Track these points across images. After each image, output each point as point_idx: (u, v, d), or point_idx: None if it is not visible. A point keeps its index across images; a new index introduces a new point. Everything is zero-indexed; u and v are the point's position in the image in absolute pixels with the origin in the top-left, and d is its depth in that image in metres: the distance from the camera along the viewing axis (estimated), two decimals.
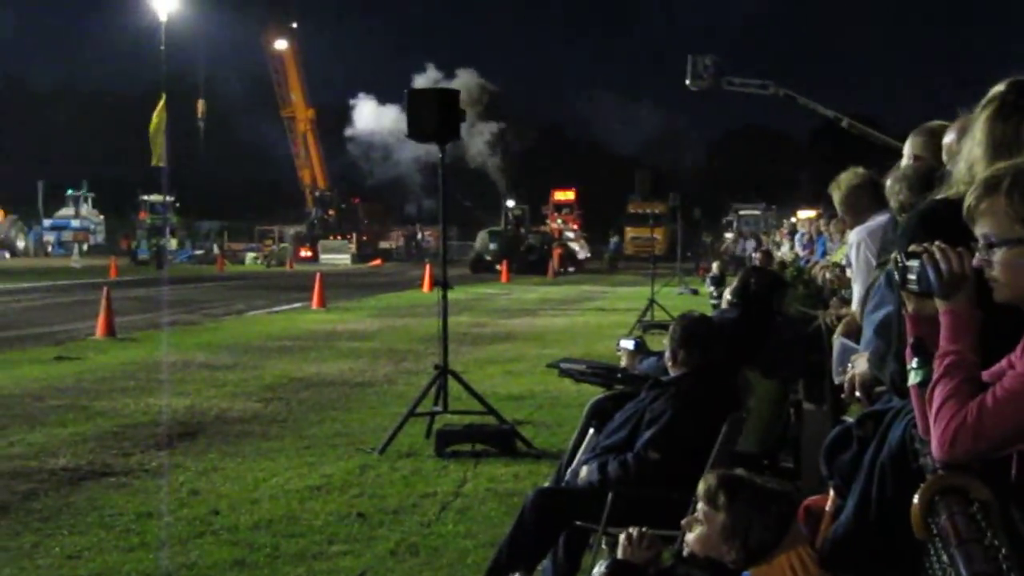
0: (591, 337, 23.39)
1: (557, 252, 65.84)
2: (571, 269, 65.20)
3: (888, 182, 5.76)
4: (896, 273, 3.09)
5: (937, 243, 2.99)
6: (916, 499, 2.79)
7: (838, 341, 6.84)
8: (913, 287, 3.03)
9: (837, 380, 6.35)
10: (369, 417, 13.50)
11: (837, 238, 17.51)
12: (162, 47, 58.22)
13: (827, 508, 4.00)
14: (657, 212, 52.71)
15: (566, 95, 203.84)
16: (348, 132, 72.98)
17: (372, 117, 69.63)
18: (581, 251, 75.87)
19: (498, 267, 54.51)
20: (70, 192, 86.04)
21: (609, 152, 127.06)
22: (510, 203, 71.31)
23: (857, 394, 4.61)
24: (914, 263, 3.01)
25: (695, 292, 38.59)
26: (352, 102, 73.01)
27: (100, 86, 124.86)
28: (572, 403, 13.47)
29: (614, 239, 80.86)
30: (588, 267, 70.32)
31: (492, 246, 63.01)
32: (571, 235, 78.56)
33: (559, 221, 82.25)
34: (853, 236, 8.17)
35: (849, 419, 4.04)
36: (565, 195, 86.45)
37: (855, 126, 40.46)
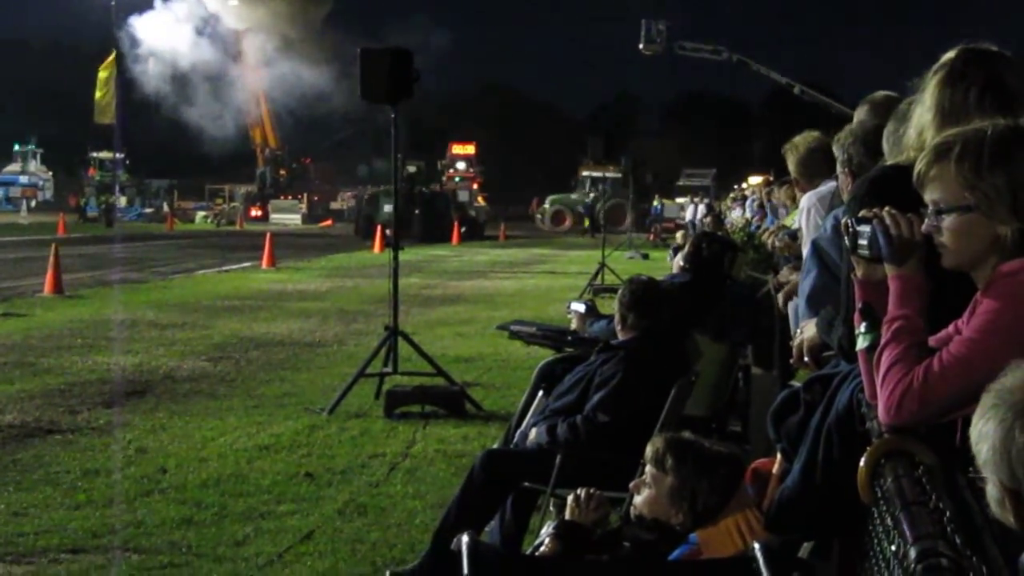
0: (541, 300, 23.41)
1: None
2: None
3: (840, 135, 5.73)
4: (847, 238, 3.10)
5: (887, 209, 3.00)
6: (862, 462, 2.81)
7: (792, 305, 6.88)
8: (863, 252, 3.05)
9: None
10: (318, 377, 13.47)
11: (789, 204, 17.56)
12: (112, 1, 57.73)
13: (774, 471, 4.03)
14: (608, 176, 52.13)
15: (519, 55, 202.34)
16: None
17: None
18: (479, 214, 64.18)
19: (387, 232, 47.91)
20: (17, 147, 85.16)
21: (563, 115, 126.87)
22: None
23: (805, 358, 4.63)
24: (865, 228, 3.02)
25: (646, 256, 38.72)
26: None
27: (49, 40, 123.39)
28: (522, 365, 13.50)
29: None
30: (486, 234, 59.32)
31: (387, 207, 45.50)
32: (465, 195, 65.67)
33: (457, 179, 70.43)
34: (804, 201, 8.18)
35: (797, 383, 4.06)
36: (464, 148, 75.47)
37: (808, 92, 40.70)
